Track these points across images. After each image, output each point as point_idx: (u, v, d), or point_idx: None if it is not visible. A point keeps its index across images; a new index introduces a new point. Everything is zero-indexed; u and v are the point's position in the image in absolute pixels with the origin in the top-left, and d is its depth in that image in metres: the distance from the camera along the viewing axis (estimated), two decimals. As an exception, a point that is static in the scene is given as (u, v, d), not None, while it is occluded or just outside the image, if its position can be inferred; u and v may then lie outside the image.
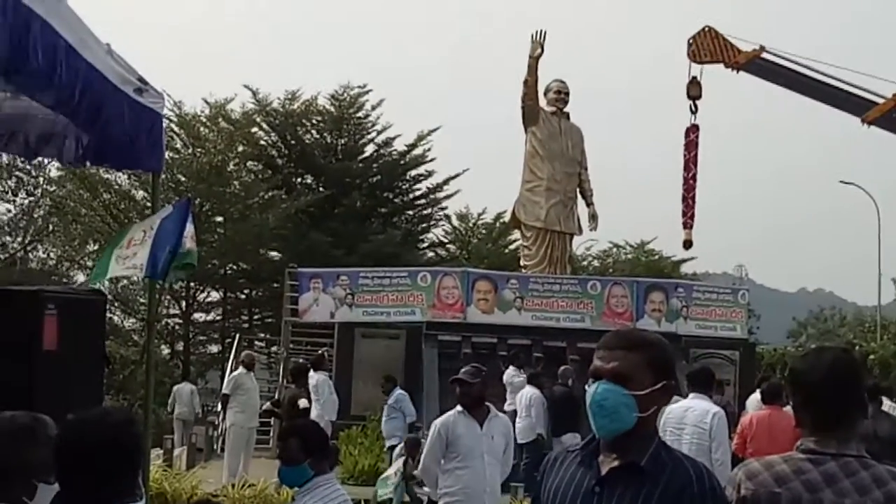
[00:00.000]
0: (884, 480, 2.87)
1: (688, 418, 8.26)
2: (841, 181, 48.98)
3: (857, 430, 3.00)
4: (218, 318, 34.04)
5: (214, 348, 34.66)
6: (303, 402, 13.00)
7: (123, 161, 6.46)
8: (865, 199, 46.30)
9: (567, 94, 22.29)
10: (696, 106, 20.88)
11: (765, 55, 20.11)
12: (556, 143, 21.93)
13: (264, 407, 14.99)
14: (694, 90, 20.79)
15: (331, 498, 4.71)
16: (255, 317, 35.50)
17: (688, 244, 21.97)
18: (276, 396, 14.78)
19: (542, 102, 22.08)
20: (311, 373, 14.97)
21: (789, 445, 9.52)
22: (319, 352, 16.91)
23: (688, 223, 21.39)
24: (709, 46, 20.34)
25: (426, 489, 9.25)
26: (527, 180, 22.14)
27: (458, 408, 7.32)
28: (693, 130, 21.11)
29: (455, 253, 42.07)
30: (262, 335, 33.99)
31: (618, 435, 2.84)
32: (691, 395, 8.56)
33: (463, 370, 7.37)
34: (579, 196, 22.55)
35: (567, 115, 22.37)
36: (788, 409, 11.25)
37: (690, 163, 21.08)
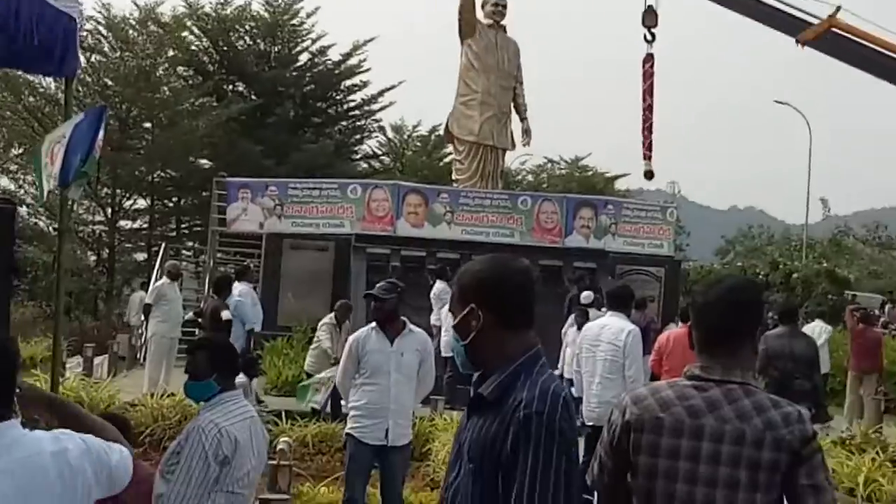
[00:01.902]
0: (764, 407, 2.89)
1: (603, 335, 8.38)
2: (775, 101, 49.58)
3: (745, 358, 3.02)
4: (145, 225, 33.60)
5: (141, 256, 34.26)
6: (225, 314, 12.92)
7: (36, 66, 6.29)
8: (799, 120, 46.95)
9: (504, 6, 21.99)
10: (651, 35, 20.46)
11: None
12: (492, 57, 21.71)
13: (187, 317, 14.90)
14: (649, 19, 20.33)
15: (235, 414, 4.68)
16: (184, 225, 35.06)
17: (649, 175, 21.63)
18: (201, 307, 14.69)
19: (480, 15, 21.81)
20: (236, 283, 14.90)
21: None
22: (245, 262, 16.77)
23: (646, 154, 21.04)
24: None
25: None
26: (461, 94, 21.94)
27: (373, 323, 7.32)
28: (648, 60, 20.75)
29: (389, 165, 41.91)
30: (191, 244, 33.71)
31: (476, 370, 2.92)
32: (609, 313, 8.67)
33: (378, 285, 7.35)
34: (514, 111, 22.45)
35: (504, 29, 22.10)
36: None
37: (646, 93, 20.70)
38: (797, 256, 44.00)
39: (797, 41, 18.48)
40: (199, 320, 13.70)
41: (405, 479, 7.93)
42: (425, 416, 11.96)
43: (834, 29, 17.95)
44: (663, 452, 2.93)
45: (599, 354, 8.35)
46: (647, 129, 20.80)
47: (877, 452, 10.91)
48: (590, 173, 50.38)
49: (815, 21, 18.41)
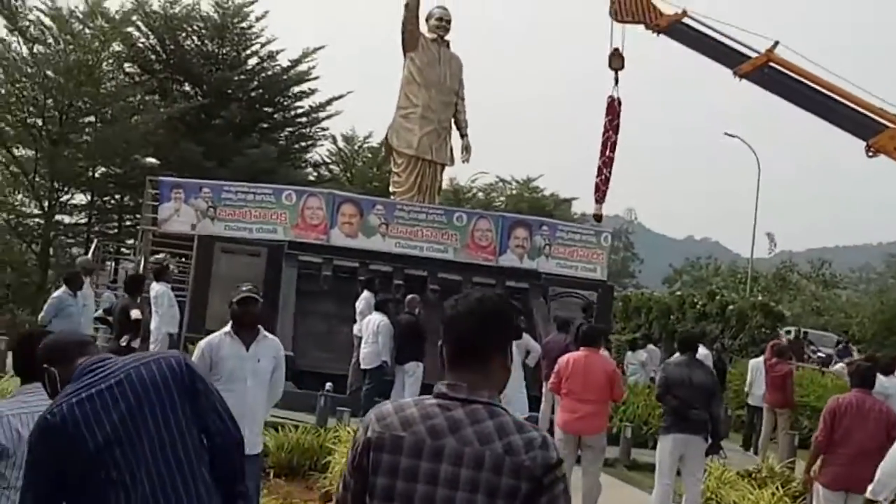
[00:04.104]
0: (507, 431, 2.74)
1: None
2: (726, 133, 49.80)
3: (494, 377, 2.87)
4: (83, 221, 33.15)
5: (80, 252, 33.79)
6: (134, 313, 12.61)
7: None
8: (759, 153, 47.16)
9: (449, 21, 21.95)
10: (617, 78, 20.03)
11: (686, 20, 19.60)
12: (434, 71, 21.64)
13: (96, 314, 14.55)
14: (616, 62, 19.92)
15: (31, 404, 4.29)
16: (126, 222, 34.69)
17: (598, 218, 21.52)
18: (110, 305, 14.36)
19: (424, 29, 21.74)
20: (153, 283, 14.60)
21: (601, 386, 9.67)
22: (164, 262, 16.49)
23: (598, 198, 20.72)
24: (631, 7, 19.59)
25: None
26: (402, 106, 21.84)
27: (227, 328, 7.06)
28: (611, 101, 20.19)
29: (338, 174, 41.78)
30: (131, 242, 33.31)
31: None
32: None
33: (246, 288, 7.09)
34: (454, 127, 22.37)
35: (447, 44, 22.05)
36: (604, 352, 11.49)
37: (610, 137, 20.22)
38: (743, 289, 44.33)
39: (735, 73, 18.60)
40: (108, 318, 13.39)
41: (259, 489, 7.69)
42: (308, 425, 11.83)
43: (771, 63, 18.11)
44: (401, 474, 2.77)
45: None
46: (604, 177, 20.28)
47: (776, 487, 10.87)
48: (539, 195, 50.62)
49: (754, 55, 18.58)
